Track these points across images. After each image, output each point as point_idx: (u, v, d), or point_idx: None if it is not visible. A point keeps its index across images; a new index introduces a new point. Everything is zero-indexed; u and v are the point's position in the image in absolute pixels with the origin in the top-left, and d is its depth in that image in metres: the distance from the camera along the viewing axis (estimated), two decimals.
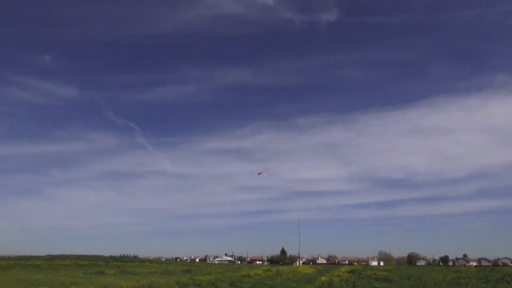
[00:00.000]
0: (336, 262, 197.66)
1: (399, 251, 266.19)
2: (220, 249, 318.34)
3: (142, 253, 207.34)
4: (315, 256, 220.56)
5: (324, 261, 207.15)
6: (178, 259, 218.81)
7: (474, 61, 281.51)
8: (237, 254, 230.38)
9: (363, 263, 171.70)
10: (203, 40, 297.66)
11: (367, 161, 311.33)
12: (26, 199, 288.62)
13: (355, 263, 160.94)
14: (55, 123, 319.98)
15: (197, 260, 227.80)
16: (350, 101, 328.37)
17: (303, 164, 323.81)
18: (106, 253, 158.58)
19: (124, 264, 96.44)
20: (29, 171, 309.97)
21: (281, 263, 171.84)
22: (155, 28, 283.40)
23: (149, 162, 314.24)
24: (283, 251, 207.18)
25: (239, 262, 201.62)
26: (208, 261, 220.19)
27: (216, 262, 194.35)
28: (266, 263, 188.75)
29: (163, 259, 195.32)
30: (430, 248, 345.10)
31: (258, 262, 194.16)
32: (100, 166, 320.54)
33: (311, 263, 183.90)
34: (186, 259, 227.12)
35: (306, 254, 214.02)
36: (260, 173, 50.91)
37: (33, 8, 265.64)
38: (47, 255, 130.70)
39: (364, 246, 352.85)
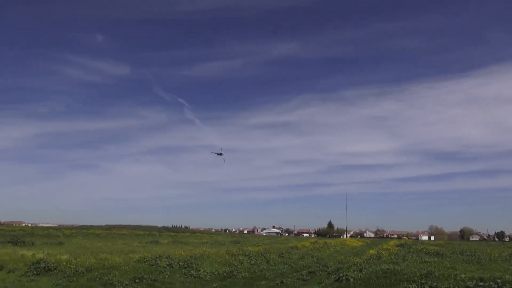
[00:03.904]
0: (384, 236, 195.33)
1: (451, 226, 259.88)
2: (267, 221, 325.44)
3: (192, 224, 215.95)
4: (363, 229, 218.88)
5: (372, 235, 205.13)
6: (227, 231, 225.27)
7: None
8: (284, 227, 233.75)
9: (413, 238, 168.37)
10: (248, 14, 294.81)
11: (418, 134, 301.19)
12: (85, 173, 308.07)
13: (404, 237, 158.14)
14: (109, 100, 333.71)
15: (245, 231, 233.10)
16: (401, 71, 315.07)
17: (351, 138, 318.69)
18: (159, 223, 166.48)
19: (176, 234, 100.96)
20: (86, 146, 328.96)
21: (328, 236, 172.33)
22: (201, 3, 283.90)
23: (198, 137, 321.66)
24: (330, 224, 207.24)
25: (286, 235, 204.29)
26: (256, 233, 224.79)
27: (264, 234, 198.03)
28: (313, 235, 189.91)
29: (213, 230, 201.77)
30: (485, 223, 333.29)
31: (305, 235, 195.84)
32: (151, 141, 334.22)
33: (359, 236, 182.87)
34: (235, 231, 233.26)
35: (353, 228, 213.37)
36: (221, 154, 48.20)
37: None
38: (106, 225, 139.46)
39: (414, 221, 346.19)
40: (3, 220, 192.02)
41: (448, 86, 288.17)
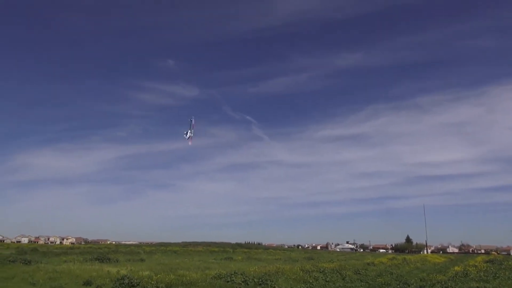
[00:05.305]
0: (470, 252, 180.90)
1: None
2: (341, 236, 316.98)
3: (265, 240, 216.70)
4: (445, 244, 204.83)
5: (456, 250, 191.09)
6: (300, 247, 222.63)
7: None
8: (359, 242, 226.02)
9: (503, 253, 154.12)
10: (310, 27, 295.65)
11: (502, 139, 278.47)
12: (162, 192, 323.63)
13: (493, 253, 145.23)
14: (181, 121, 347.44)
15: (318, 247, 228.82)
16: (479, 74, 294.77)
17: (427, 147, 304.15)
18: (232, 239, 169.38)
19: (249, 250, 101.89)
20: (163, 166, 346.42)
21: (406, 251, 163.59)
22: (264, 21, 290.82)
23: (267, 153, 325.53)
24: (408, 239, 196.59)
25: (361, 250, 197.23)
26: (329, 248, 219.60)
27: (338, 250, 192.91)
28: (390, 251, 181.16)
29: (285, 247, 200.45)
30: None
31: (381, 251, 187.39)
32: (222, 159, 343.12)
33: (441, 252, 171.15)
34: (308, 247, 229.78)
35: (434, 243, 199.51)
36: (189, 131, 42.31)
37: (153, 17, 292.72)
38: (182, 242, 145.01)
39: (504, 234, 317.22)
40: (90, 238, 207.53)
41: None
